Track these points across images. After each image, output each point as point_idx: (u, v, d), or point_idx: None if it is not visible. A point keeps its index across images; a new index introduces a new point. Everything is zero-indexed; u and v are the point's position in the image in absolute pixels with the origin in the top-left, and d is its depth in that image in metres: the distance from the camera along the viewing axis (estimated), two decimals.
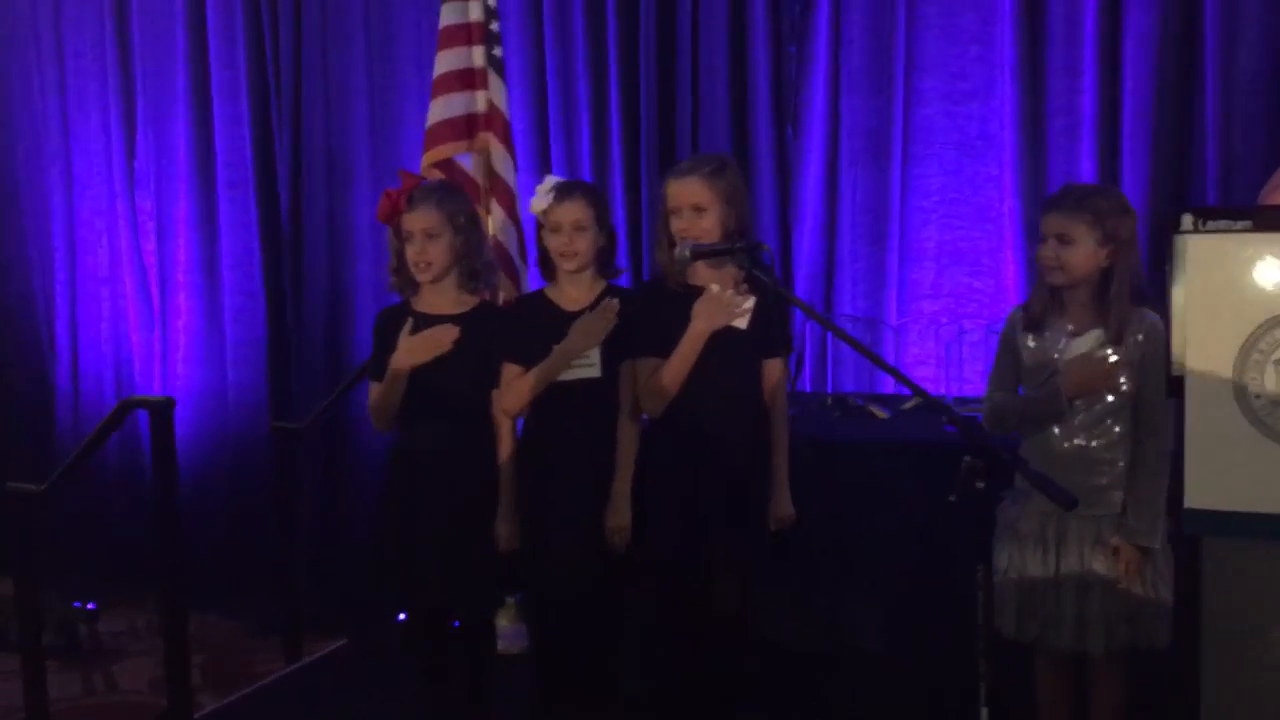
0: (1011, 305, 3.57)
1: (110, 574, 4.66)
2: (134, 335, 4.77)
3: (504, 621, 3.72)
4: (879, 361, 2.06)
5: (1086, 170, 3.52)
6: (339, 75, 4.38)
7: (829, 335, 3.78)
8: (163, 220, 4.67)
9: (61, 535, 4.77)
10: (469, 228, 2.73)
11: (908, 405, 3.31)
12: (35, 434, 4.88)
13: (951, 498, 1.94)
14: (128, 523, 4.79)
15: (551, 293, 2.79)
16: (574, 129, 4.09)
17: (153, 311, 4.73)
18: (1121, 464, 2.50)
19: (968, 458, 1.94)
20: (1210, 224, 1.77)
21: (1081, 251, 2.47)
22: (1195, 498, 1.81)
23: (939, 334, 3.60)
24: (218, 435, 4.64)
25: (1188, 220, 1.81)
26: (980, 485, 1.93)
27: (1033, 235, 3.60)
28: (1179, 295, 1.81)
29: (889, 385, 3.75)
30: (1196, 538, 1.86)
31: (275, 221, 4.51)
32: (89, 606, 4.25)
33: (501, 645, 3.57)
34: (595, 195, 2.77)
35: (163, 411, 2.72)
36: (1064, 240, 2.48)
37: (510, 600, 3.68)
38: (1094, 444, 2.51)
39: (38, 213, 4.84)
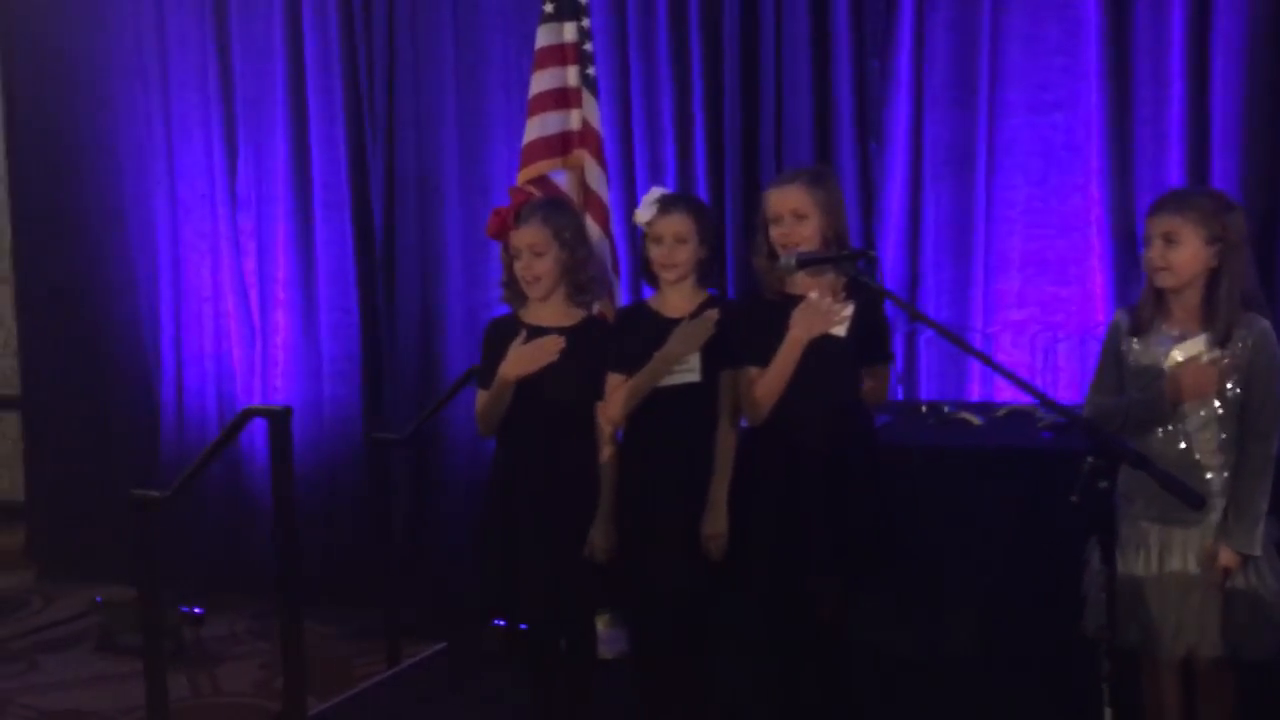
0: (1099, 314, 3.61)
1: (211, 578, 4.82)
2: (235, 351, 4.93)
3: (601, 626, 3.79)
4: (1012, 376, 2.04)
5: (1175, 179, 3.51)
6: (430, 99, 4.51)
7: (917, 344, 3.81)
8: (263, 240, 4.83)
9: (165, 540, 4.95)
10: (575, 242, 2.82)
11: (1001, 413, 3.34)
12: (141, 446, 5.07)
13: (1074, 498, 1.93)
14: (227, 529, 4.96)
15: (654, 302, 2.87)
16: (658, 144, 4.17)
17: (253, 328, 4.90)
18: (1225, 471, 2.49)
19: (1090, 458, 1.92)
20: None
21: (1188, 251, 2.46)
22: None
23: (1034, 342, 3.62)
24: (314, 446, 4.77)
25: None
26: (1104, 485, 1.92)
27: (1120, 244, 3.63)
28: None
29: (976, 393, 3.78)
30: None
31: (369, 240, 4.65)
32: (195, 611, 4.40)
33: (600, 650, 3.64)
34: (698, 209, 2.84)
35: (281, 420, 2.84)
36: (1170, 240, 2.46)
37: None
38: (1197, 450, 2.50)
39: (144, 234, 5.04)
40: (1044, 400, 1.97)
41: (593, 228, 3.59)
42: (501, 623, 3.80)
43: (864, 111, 3.91)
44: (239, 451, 4.86)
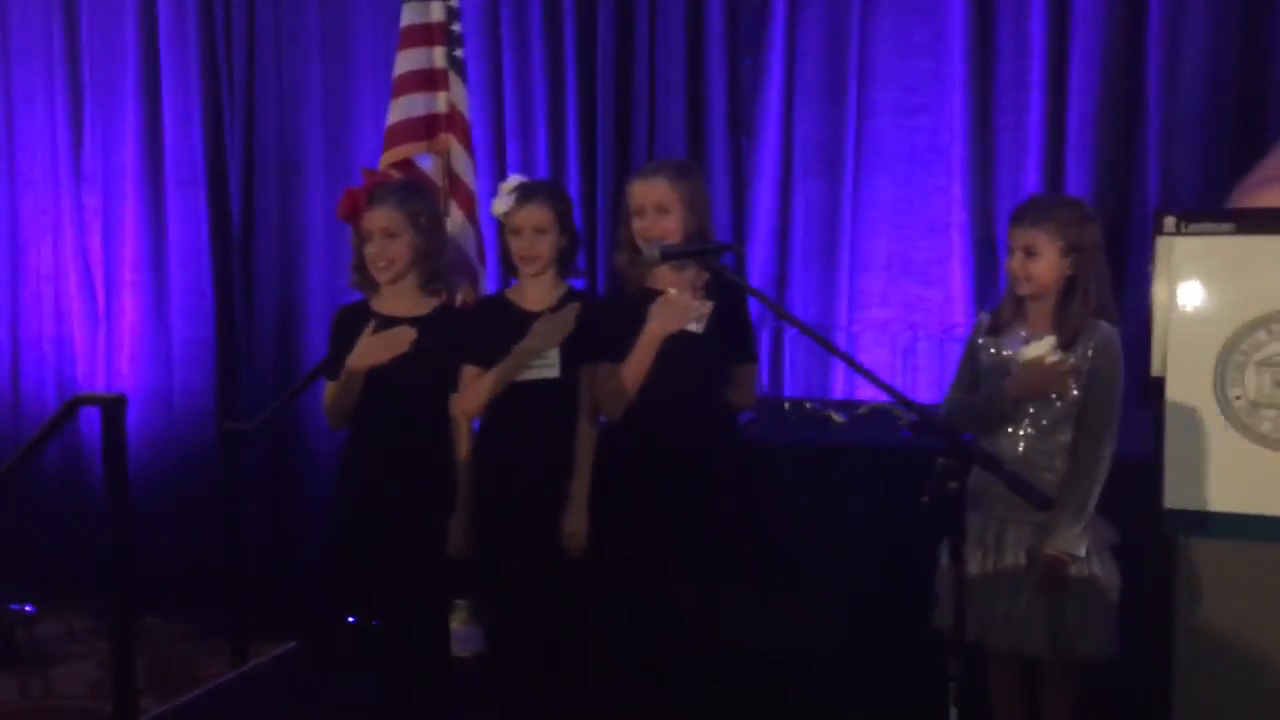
0: (959, 315, 3.67)
1: (46, 577, 4.56)
2: (77, 334, 4.68)
3: (456, 624, 3.70)
4: (866, 373, 2.03)
5: (1031, 182, 3.60)
6: (293, 74, 4.35)
7: (783, 340, 3.83)
8: (109, 218, 4.59)
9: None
10: (431, 228, 2.72)
11: (863, 410, 3.36)
12: None
13: (924, 498, 1.92)
14: (65, 525, 4.71)
15: (513, 294, 2.79)
16: (530, 133, 4.11)
17: (97, 310, 4.65)
18: (1063, 472, 2.53)
19: (942, 459, 1.92)
20: (1193, 226, 1.78)
21: (1045, 262, 2.52)
22: (1174, 498, 1.82)
23: (894, 341, 3.66)
24: (163, 436, 4.57)
25: (1170, 222, 1.83)
26: (954, 486, 1.91)
27: (980, 246, 3.70)
28: (1160, 296, 1.81)
29: (839, 391, 3.81)
30: (1171, 541, 1.86)
31: (226, 221, 4.46)
32: (27, 609, 4.16)
33: (455, 648, 3.55)
34: (558, 197, 2.76)
35: (115, 409, 2.67)
36: (1029, 252, 2.52)
37: (460, 603, 3.67)
38: (1037, 450, 2.54)
39: None
40: (899, 398, 1.97)
41: (457, 215, 3.50)
42: (354, 620, 3.68)
43: (736, 107, 3.91)
44: (79, 441, 4.63)
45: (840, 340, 3.73)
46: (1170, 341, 1.74)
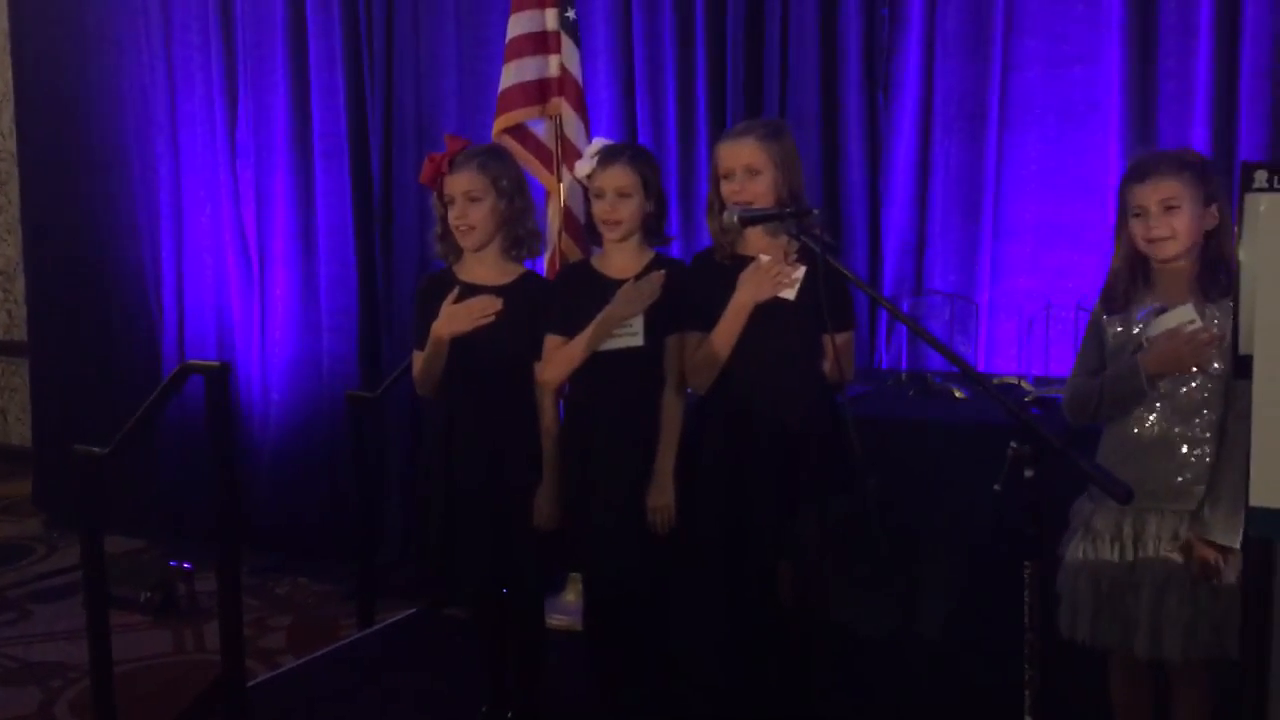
0: None
1: (204, 535, 4.76)
2: (235, 302, 4.86)
3: (571, 597, 3.67)
4: (922, 333, 1.91)
5: (1199, 137, 3.23)
6: (429, 43, 4.37)
7: (922, 310, 3.59)
8: (262, 190, 4.74)
9: (168, 497, 4.93)
10: (514, 192, 2.66)
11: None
12: (144, 396, 5.00)
13: (996, 486, 1.80)
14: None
15: (597, 261, 2.71)
16: (660, 95, 3.99)
17: (253, 280, 4.82)
18: (1210, 456, 2.27)
19: (1014, 443, 1.80)
20: None
21: (1188, 215, 2.27)
22: (1262, 494, 1.57)
23: (1022, 311, 3.37)
24: (313, 402, 4.70)
25: (1261, 176, 1.56)
26: (1029, 474, 1.78)
27: None
28: (1249, 262, 1.56)
29: (977, 365, 3.55)
30: (1265, 542, 1.64)
31: (367, 191, 4.53)
32: (185, 566, 4.35)
33: (568, 621, 3.52)
34: (643, 160, 2.65)
35: (217, 377, 2.73)
36: (1170, 205, 2.27)
37: (576, 575, 3.63)
38: (1179, 432, 2.29)
39: (147, 181, 4.98)
40: (965, 369, 1.83)
41: (569, 180, 3.43)
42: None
43: (872, 62, 3.68)
44: (237, 407, 4.80)
45: (976, 308, 3.48)
46: (1259, 313, 1.48)
